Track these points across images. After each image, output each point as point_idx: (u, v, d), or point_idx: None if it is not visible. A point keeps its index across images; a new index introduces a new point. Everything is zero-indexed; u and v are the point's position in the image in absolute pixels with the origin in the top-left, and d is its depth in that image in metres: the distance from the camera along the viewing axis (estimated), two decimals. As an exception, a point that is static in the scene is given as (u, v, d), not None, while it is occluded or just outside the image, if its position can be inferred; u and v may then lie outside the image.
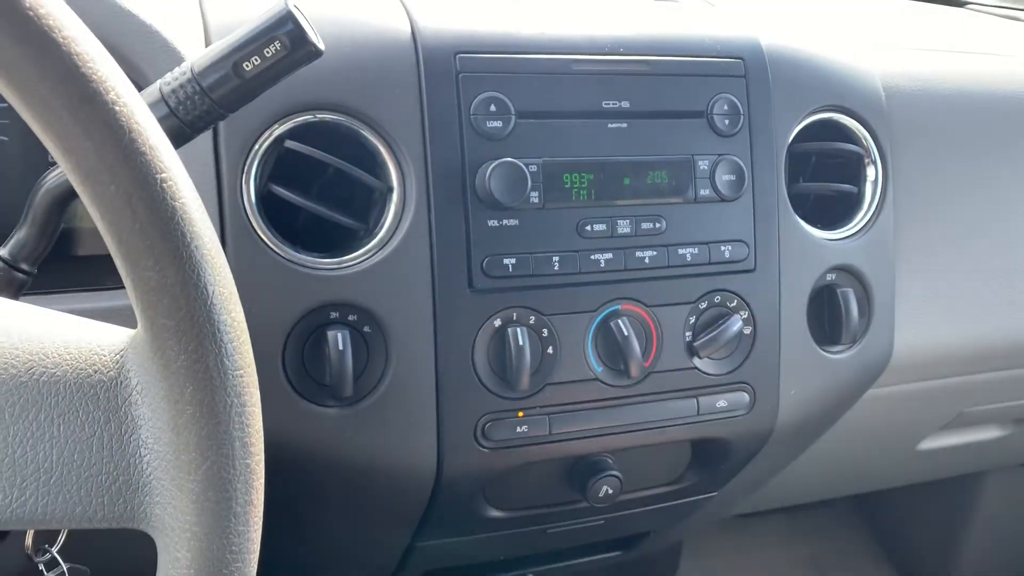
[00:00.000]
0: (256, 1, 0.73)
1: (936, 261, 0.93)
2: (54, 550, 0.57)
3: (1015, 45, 1.10)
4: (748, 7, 0.91)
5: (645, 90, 0.76)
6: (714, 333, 0.78)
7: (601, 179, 0.75)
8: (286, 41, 0.52)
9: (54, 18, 0.33)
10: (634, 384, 0.77)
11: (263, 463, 0.39)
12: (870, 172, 0.88)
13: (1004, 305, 0.96)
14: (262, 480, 0.39)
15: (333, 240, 0.71)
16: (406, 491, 0.75)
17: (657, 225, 0.76)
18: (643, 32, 0.79)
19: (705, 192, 0.78)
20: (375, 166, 0.71)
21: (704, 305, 0.79)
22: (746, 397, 0.81)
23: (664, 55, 0.78)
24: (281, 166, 0.70)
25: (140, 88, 0.43)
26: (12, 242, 0.55)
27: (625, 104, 0.76)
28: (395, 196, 0.71)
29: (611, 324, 0.75)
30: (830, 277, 0.85)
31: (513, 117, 0.72)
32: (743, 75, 0.80)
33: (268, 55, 0.52)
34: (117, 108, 0.34)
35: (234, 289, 0.38)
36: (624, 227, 0.75)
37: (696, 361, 0.79)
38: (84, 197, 0.35)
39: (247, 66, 0.52)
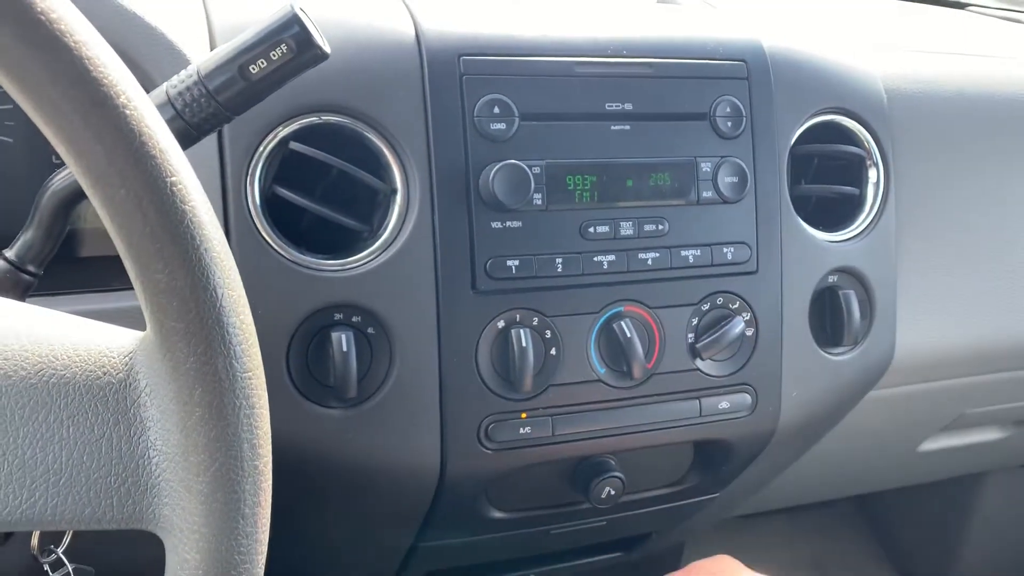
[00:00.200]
0: (260, 3, 0.74)
1: (937, 262, 0.93)
2: (60, 550, 0.58)
3: (1017, 47, 1.11)
4: (750, 9, 0.92)
5: (648, 92, 0.77)
6: (716, 335, 0.78)
7: (604, 181, 0.75)
8: (292, 44, 0.52)
9: (65, 23, 0.33)
10: (637, 385, 0.77)
11: (271, 465, 0.39)
12: (872, 174, 0.88)
13: (1006, 307, 0.97)
14: (270, 482, 0.39)
15: (337, 242, 0.71)
16: (409, 492, 0.76)
17: (660, 227, 0.77)
18: (646, 34, 0.79)
19: (707, 194, 0.78)
20: (379, 168, 0.71)
21: (706, 307, 0.79)
22: (748, 398, 0.81)
23: (667, 57, 0.78)
24: (285, 168, 0.70)
25: (146, 91, 0.43)
26: (19, 244, 0.55)
27: (628, 106, 0.76)
28: (399, 198, 0.71)
29: (614, 326, 0.75)
30: (832, 279, 0.85)
31: (516, 119, 0.72)
32: (745, 77, 0.80)
33: (274, 58, 0.52)
34: (128, 112, 0.35)
35: (243, 292, 0.38)
36: (627, 229, 0.76)
37: (698, 363, 0.79)
38: (94, 200, 0.35)
39: (253, 69, 0.52)
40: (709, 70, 0.79)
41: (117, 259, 0.37)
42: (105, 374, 0.38)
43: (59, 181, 0.55)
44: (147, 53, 0.65)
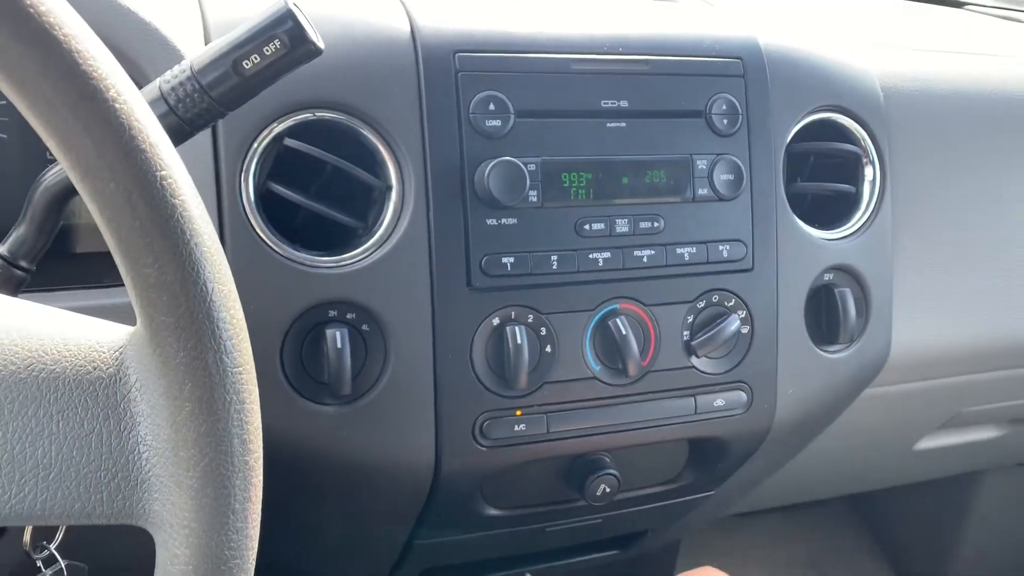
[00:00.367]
0: (255, -1, 0.73)
1: (934, 261, 0.93)
2: (52, 546, 0.57)
3: (1013, 46, 1.11)
4: (746, 6, 0.91)
5: (644, 89, 0.76)
6: (712, 332, 0.78)
7: (600, 178, 0.75)
8: (286, 39, 0.52)
9: (55, 15, 0.33)
10: (632, 383, 0.77)
11: (262, 460, 0.39)
12: (868, 172, 0.88)
13: (1002, 305, 0.97)
14: (260, 477, 0.39)
15: (332, 238, 0.71)
16: (404, 489, 0.75)
17: (655, 224, 0.77)
18: (642, 31, 0.79)
19: (703, 191, 0.78)
20: (374, 164, 0.71)
21: (702, 304, 0.79)
22: (743, 396, 0.81)
23: (663, 55, 0.78)
24: (280, 164, 0.70)
25: (139, 86, 0.43)
26: (11, 239, 0.55)
27: (624, 103, 0.76)
28: (394, 194, 0.71)
29: (609, 323, 0.75)
30: (828, 277, 0.85)
31: (512, 116, 0.72)
32: (742, 75, 0.80)
33: (268, 53, 0.52)
34: (117, 106, 0.34)
35: (233, 287, 0.38)
36: (622, 226, 0.76)
37: (694, 360, 0.79)
38: (84, 194, 0.35)
39: (247, 64, 0.52)
40: (705, 67, 0.79)
41: (109, 255, 0.37)
42: (95, 369, 0.38)
43: (52, 176, 0.55)
44: (141, 48, 0.65)
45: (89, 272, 0.68)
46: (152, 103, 0.52)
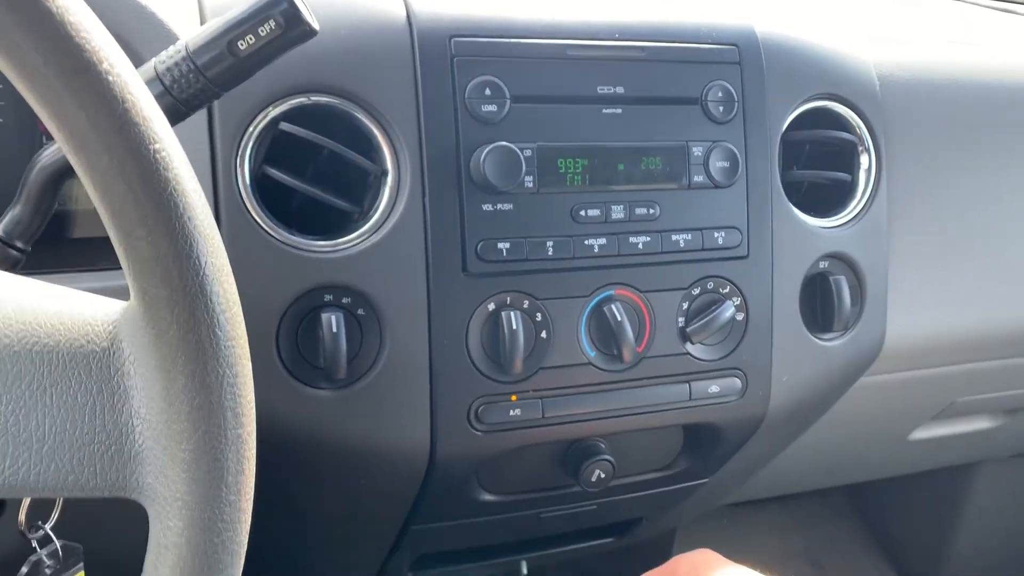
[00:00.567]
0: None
1: (929, 249, 0.94)
2: (47, 526, 0.58)
3: (1009, 37, 1.11)
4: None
5: (640, 76, 0.77)
6: (707, 319, 0.78)
7: (595, 164, 0.75)
8: (280, 20, 0.52)
9: (47, -13, 0.33)
10: (627, 369, 0.77)
11: (255, 435, 0.39)
12: (863, 160, 0.88)
13: (996, 293, 0.97)
14: (253, 451, 0.39)
15: (327, 223, 0.71)
16: (399, 474, 0.76)
17: (651, 211, 0.77)
18: (638, 18, 0.79)
19: (699, 178, 0.78)
20: (370, 149, 0.71)
21: (697, 291, 0.79)
22: (738, 383, 0.81)
23: (659, 41, 0.78)
24: (276, 149, 0.70)
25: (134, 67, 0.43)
26: (6, 219, 0.55)
27: (620, 90, 0.76)
28: (389, 179, 0.71)
29: (604, 309, 0.75)
30: (823, 264, 0.86)
31: (508, 101, 0.72)
32: (737, 62, 0.80)
33: (263, 34, 0.52)
34: (111, 79, 0.34)
35: (227, 262, 0.38)
36: (618, 212, 0.76)
37: (688, 346, 0.79)
38: (78, 168, 0.35)
39: (242, 45, 0.52)
40: (701, 54, 0.79)
41: (104, 240, 0.37)
42: (89, 342, 0.38)
43: (47, 157, 0.55)
44: (136, 29, 0.65)
45: (83, 258, 0.68)
46: (148, 83, 0.52)
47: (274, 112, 0.69)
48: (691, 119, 0.78)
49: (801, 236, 0.84)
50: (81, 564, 0.61)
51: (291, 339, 0.69)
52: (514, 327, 0.72)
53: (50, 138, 0.66)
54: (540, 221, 0.73)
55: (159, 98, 0.52)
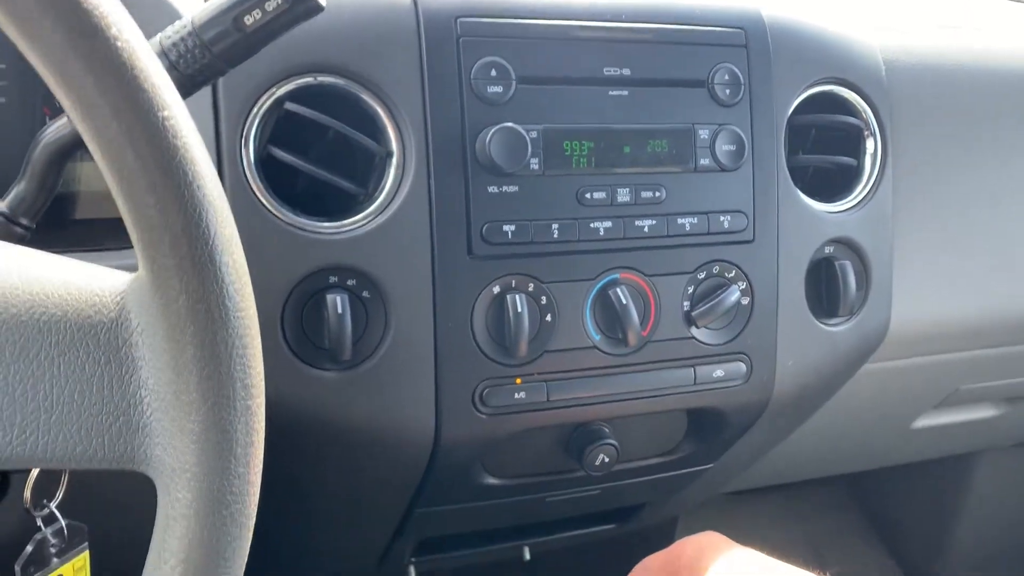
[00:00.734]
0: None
1: (934, 235, 0.93)
2: (53, 505, 0.57)
3: (1016, 23, 1.10)
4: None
5: (646, 58, 0.76)
6: (712, 303, 0.78)
7: (601, 147, 0.75)
8: (287, -6, 0.51)
9: (55, -48, 0.33)
10: (632, 352, 0.77)
11: (264, 406, 0.39)
12: (870, 145, 0.88)
13: (1001, 280, 0.97)
14: (263, 423, 0.39)
15: (332, 204, 0.71)
16: (404, 456, 0.76)
17: (657, 194, 0.76)
18: (645, 0, 0.79)
19: (705, 162, 0.78)
20: (375, 130, 0.71)
21: (702, 275, 0.79)
22: (743, 367, 0.81)
23: (665, 23, 0.77)
24: (281, 129, 0.69)
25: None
26: (11, 196, 0.55)
27: (626, 71, 0.75)
28: (395, 160, 0.71)
29: (609, 292, 0.75)
30: (828, 249, 0.85)
31: (514, 82, 0.72)
32: (744, 45, 0.80)
33: (269, 9, 0.52)
34: (119, 44, 0.34)
35: (235, 231, 0.38)
36: (624, 195, 0.75)
37: (694, 331, 0.79)
38: (85, 134, 0.35)
39: (248, 20, 0.52)
40: (708, 37, 0.79)
41: (110, 221, 0.37)
42: (97, 313, 0.38)
43: (51, 133, 0.55)
44: (142, 5, 0.64)
45: (88, 239, 0.67)
46: (153, 58, 0.51)
47: (279, 92, 0.68)
48: (697, 102, 0.78)
49: (807, 221, 0.84)
50: (86, 543, 0.61)
51: (296, 320, 0.69)
52: (519, 310, 0.72)
53: (53, 117, 0.66)
54: (545, 204, 0.73)
55: (165, 73, 0.52)
